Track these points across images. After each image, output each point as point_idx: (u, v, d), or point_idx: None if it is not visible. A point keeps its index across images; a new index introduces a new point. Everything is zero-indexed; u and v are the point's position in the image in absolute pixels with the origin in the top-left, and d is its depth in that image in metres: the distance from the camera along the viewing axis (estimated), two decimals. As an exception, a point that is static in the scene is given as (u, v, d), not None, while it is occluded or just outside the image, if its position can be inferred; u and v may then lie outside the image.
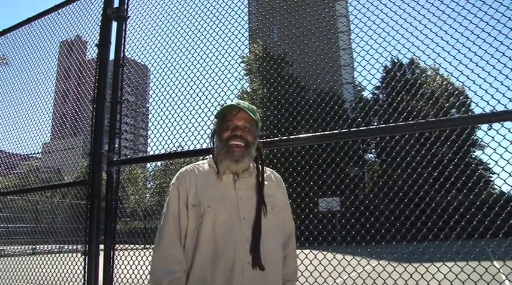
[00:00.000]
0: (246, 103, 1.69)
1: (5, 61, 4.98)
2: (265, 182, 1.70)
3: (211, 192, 1.62)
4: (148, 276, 1.76)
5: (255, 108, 1.70)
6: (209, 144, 1.75)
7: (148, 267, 1.69)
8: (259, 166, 1.71)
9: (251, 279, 1.50)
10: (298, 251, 1.96)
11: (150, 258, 1.73)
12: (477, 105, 2.25)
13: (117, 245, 3.03)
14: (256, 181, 1.67)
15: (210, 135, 1.78)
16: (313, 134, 2.46)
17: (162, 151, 3.44)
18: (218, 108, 2.30)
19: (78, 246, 7.54)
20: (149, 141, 3.57)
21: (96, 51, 3.37)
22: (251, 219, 1.57)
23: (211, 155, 1.73)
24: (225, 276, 1.49)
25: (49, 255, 4.49)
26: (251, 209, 1.59)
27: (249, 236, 1.54)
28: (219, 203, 1.59)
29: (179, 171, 1.73)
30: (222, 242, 1.53)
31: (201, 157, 2.50)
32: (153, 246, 1.63)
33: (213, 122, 1.87)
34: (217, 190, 1.63)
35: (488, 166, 18.12)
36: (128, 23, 3.41)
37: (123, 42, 3.33)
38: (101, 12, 3.41)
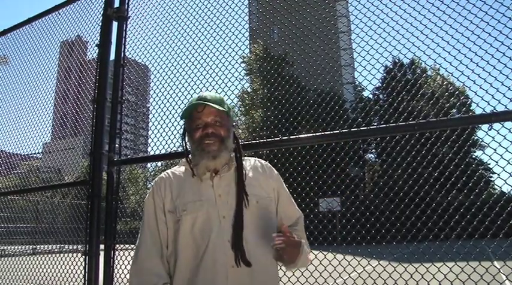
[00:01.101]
0: (212, 95, 1.60)
1: (5, 61, 4.98)
2: (250, 174, 1.62)
3: (187, 195, 1.55)
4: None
5: (221, 97, 1.62)
6: (183, 146, 1.67)
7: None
8: (238, 156, 1.62)
9: (237, 282, 1.42)
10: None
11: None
12: (477, 105, 2.26)
13: (117, 245, 3.02)
14: (235, 174, 1.58)
15: (180, 137, 1.70)
16: (314, 134, 2.44)
17: (163, 151, 3.43)
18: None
19: (79, 246, 7.54)
20: (150, 141, 3.57)
21: (97, 51, 3.37)
22: (232, 217, 1.48)
23: (184, 159, 1.66)
24: (207, 283, 1.42)
25: (49, 255, 4.50)
26: (232, 205, 1.51)
27: (229, 237, 1.45)
28: (196, 204, 1.51)
29: (154, 180, 1.66)
30: (201, 246, 1.45)
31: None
32: None
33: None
34: (194, 191, 1.55)
35: (489, 166, 18.08)
36: (128, 23, 3.40)
37: (123, 42, 3.32)
38: (102, 12, 3.41)
